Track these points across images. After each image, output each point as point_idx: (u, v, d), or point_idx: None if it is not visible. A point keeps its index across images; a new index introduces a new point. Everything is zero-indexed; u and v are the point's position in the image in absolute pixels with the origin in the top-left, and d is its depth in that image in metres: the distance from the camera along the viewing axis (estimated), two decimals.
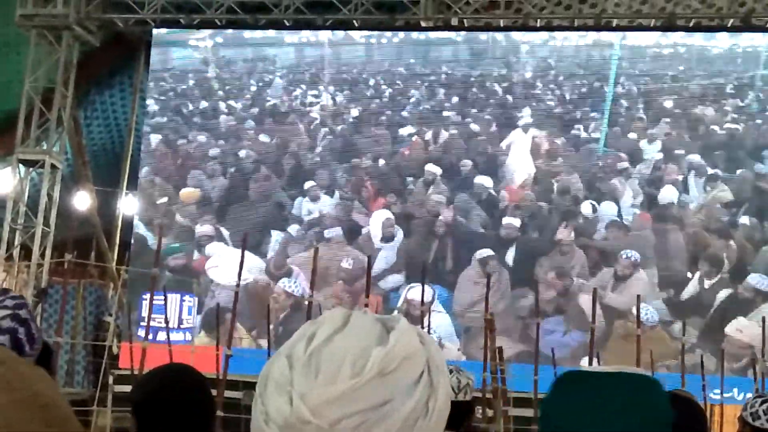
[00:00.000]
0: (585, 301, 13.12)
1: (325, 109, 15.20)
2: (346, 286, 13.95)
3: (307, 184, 14.65)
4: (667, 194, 13.78)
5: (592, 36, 14.73)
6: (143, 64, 16.39)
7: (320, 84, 15.40)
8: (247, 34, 15.92)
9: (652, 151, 14.06)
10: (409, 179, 14.56)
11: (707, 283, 13.27)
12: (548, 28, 14.97)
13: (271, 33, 15.82)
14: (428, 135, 14.73)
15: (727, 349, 12.02)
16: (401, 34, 15.53)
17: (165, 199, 14.94)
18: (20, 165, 15.35)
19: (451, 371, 3.39)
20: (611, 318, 12.97)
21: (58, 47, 15.36)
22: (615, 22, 14.63)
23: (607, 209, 13.85)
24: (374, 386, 0.95)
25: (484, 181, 14.25)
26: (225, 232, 14.61)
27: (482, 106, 14.80)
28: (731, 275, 13.25)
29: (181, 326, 13.73)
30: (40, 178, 15.50)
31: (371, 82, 15.35)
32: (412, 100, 15.09)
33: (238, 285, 8.69)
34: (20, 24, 15.21)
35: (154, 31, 15.50)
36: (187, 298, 14.11)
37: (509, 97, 14.75)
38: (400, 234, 14.22)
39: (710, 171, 13.78)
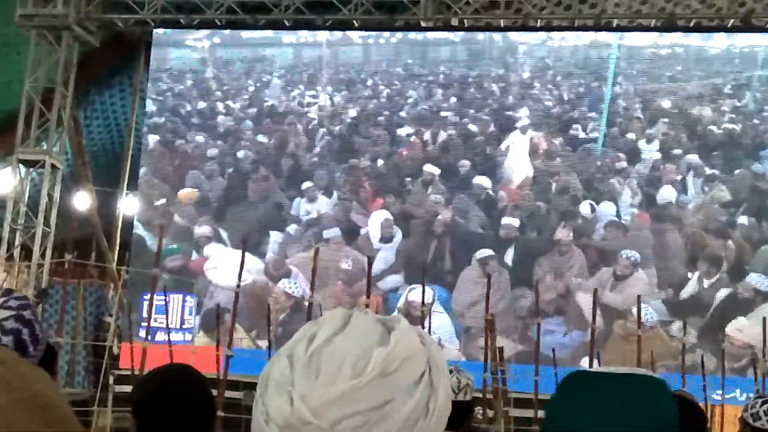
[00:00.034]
0: (584, 301, 13.14)
1: (323, 110, 15.21)
2: (345, 287, 13.94)
3: (305, 185, 14.65)
4: (666, 194, 13.80)
5: (589, 36, 14.74)
6: (143, 64, 16.39)
7: (318, 84, 15.40)
8: (245, 34, 15.91)
9: (651, 151, 14.08)
10: (408, 179, 14.56)
11: (706, 283, 13.29)
12: (548, 28, 14.97)
13: (268, 33, 15.82)
14: (426, 135, 14.74)
15: (727, 349, 12.03)
16: (399, 35, 15.53)
17: (163, 201, 14.94)
18: (20, 165, 15.35)
19: (450, 371, 3.39)
20: (610, 318, 12.98)
21: (58, 47, 15.37)
22: (615, 23, 14.63)
23: (606, 209, 13.87)
24: (375, 387, 0.95)
25: (482, 181, 14.26)
26: (223, 233, 14.60)
27: (480, 106, 14.81)
28: (730, 275, 13.28)
29: (183, 326, 13.73)
30: (41, 178, 15.51)
31: (369, 82, 15.36)
32: (410, 100, 15.09)
33: (238, 285, 8.68)
34: (20, 24, 15.21)
35: (154, 31, 15.50)
36: (188, 298, 14.12)
37: (507, 98, 14.76)
38: (398, 234, 14.22)
39: (708, 171, 13.82)
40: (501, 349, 8.84)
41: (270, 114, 15.35)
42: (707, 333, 13.00)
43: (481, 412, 8.19)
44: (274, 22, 15.32)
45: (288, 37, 15.74)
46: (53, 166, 15.44)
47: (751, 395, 4.74)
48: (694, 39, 14.58)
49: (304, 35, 15.71)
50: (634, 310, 11.49)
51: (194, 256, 14.57)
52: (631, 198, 13.91)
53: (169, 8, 15.30)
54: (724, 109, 14.13)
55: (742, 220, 13.52)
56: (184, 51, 15.82)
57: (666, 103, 14.27)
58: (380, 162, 14.72)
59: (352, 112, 15.10)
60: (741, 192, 13.67)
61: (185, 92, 15.66)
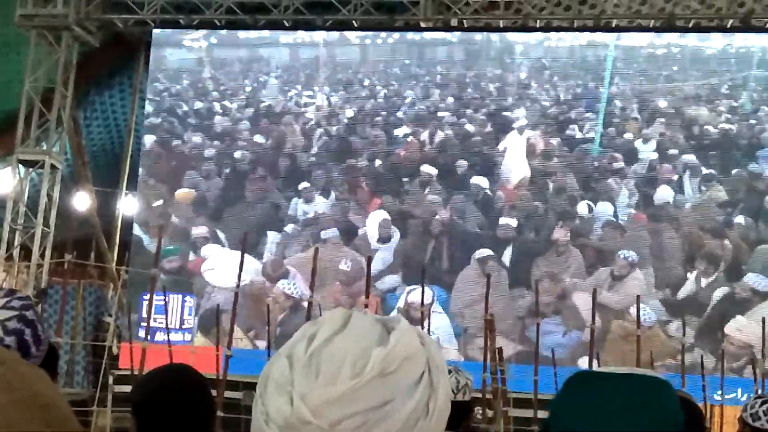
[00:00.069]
0: (581, 301, 13.15)
1: (320, 110, 15.21)
2: (344, 288, 13.94)
3: (302, 185, 14.64)
4: (663, 194, 13.83)
5: (586, 36, 14.76)
6: (143, 64, 16.39)
7: (315, 84, 15.40)
8: (242, 34, 15.90)
9: (647, 151, 14.11)
10: (405, 180, 14.56)
11: (704, 282, 13.31)
12: (547, 29, 14.97)
13: (265, 33, 15.80)
14: (424, 135, 14.74)
15: (726, 349, 12.04)
16: (396, 35, 15.53)
17: (160, 202, 14.92)
18: (20, 165, 15.36)
19: (449, 371, 3.40)
20: (608, 318, 12.99)
21: (58, 47, 15.37)
22: (614, 23, 14.64)
23: (603, 209, 13.88)
24: (375, 387, 0.95)
25: (480, 181, 14.26)
26: (221, 234, 14.59)
27: (477, 106, 14.81)
28: (727, 275, 13.30)
29: (182, 327, 13.72)
30: (40, 178, 15.51)
31: (366, 82, 15.35)
32: (408, 100, 15.09)
33: (238, 286, 8.68)
34: (20, 24, 15.21)
35: (153, 31, 15.50)
36: (188, 298, 14.11)
37: (504, 98, 14.76)
38: (396, 235, 14.22)
39: (705, 171, 13.84)
40: (500, 350, 8.84)
41: (267, 114, 15.34)
42: (705, 333, 13.01)
43: (480, 412, 8.19)
44: (273, 22, 15.32)
45: (285, 37, 15.73)
46: (53, 166, 15.44)
47: (751, 395, 4.74)
48: (691, 39, 14.61)
49: (301, 35, 15.70)
50: (632, 310, 11.50)
51: (191, 256, 14.56)
52: (629, 198, 13.93)
53: (168, 8, 15.30)
54: (721, 109, 14.16)
55: (739, 219, 13.55)
56: (180, 51, 15.81)
57: (663, 104, 14.29)
58: (378, 162, 14.72)
59: (350, 113, 15.10)
60: (738, 192, 13.70)
61: (182, 92, 15.65)
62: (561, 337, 13.13)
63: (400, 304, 13.51)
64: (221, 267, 13.92)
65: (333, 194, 14.62)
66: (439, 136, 14.70)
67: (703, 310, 13.17)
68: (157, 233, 9.40)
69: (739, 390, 11.67)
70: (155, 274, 8.39)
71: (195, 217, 14.79)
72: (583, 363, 11.95)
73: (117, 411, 10.21)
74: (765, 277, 13.16)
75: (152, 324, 8.66)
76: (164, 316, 11.27)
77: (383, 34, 15.50)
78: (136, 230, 14.88)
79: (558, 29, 14.99)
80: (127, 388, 9.61)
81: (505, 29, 15.00)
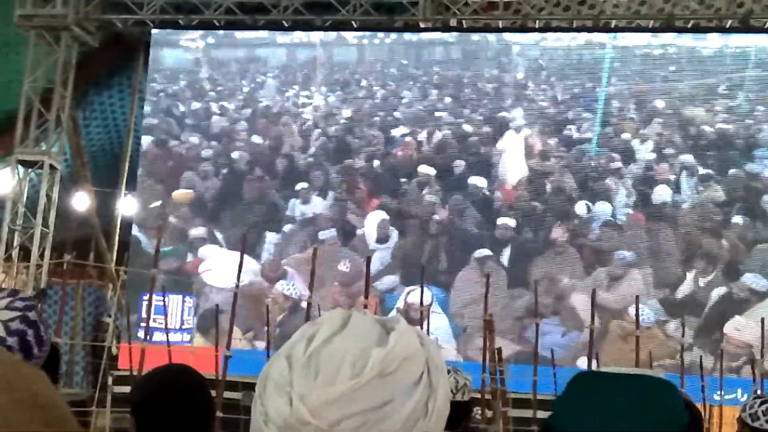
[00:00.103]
0: (579, 301, 13.17)
1: (317, 110, 15.21)
2: (342, 288, 13.93)
3: (299, 186, 14.63)
4: (660, 194, 13.85)
5: (583, 36, 14.77)
6: (142, 64, 16.39)
7: (312, 85, 15.39)
8: (239, 34, 15.89)
9: (645, 151, 14.13)
10: (403, 180, 14.56)
11: (702, 282, 13.32)
12: (546, 29, 14.98)
13: (263, 34, 15.79)
14: (421, 136, 14.74)
15: (725, 349, 12.05)
16: (393, 35, 15.51)
17: (158, 203, 14.90)
18: (19, 165, 15.35)
19: (448, 372, 3.40)
20: (606, 318, 12.99)
21: (57, 48, 15.36)
22: (613, 23, 14.64)
23: (602, 209, 13.90)
24: (374, 387, 0.95)
25: (477, 181, 14.27)
26: (218, 235, 14.58)
27: (475, 106, 14.82)
28: (725, 274, 13.32)
29: (183, 327, 13.72)
30: (39, 178, 15.50)
31: (363, 83, 15.36)
32: (405, 100, 15.10)
33: (237, 286, 8.68)
34: (19, 24, 15.20)
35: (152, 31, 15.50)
36: (188, 299, 14.10)
37: (501, 98, 14.77)
38: (394, 235, 14.22)
39: (702, 171, 13.87)
40: (500, 350, 8.84)
41: (264, 114, 15.34)
42: (703, 332, 13.03)
43: (479, 412, 8.19)
44: (272, 22, 15.31)
45: (282, 37, 15.72)
46: (52, 167, 15.43)
47: (750, 396, 4.73)
48: (687, 39, 14.62)
49: (299, 36, 15.69)
50: (631, 310, 11.50)
51: (189, 257, 14.56)
52: (626, 198, 13.94)
53: (167, 9, 15.30)
54: (718, 109, 14.18)
55: (737, 219, 13.57)
56: (177, 51, 15.80)
57: (660, 104, 14.31)
58: (376, 162, 14.72)
59: (347, 113, 15.10)
60: (735, 192, 13.73)
61: (179, 93, 15.64)
62: (560, 337, 13.13)
63: (400, 304, 13.50)
64: (219, 268, 13.91)
65: (331, 194, 14.62)
66: (437, 136, 14.71)
67: (702, 310, 13.19)
68: (154, 234, 9.40)
69: (739, 390, 11.67)
70: (154, 274, 8.39)
71: (193, 217, 14.78)
72: (581, 363, 11.97)
73: (116, 411, 10.20)
74: (763, 277, 13.18)
75: (152, 324, 8.66)
76: (164, 317, 11.25)
77: (380, 34, 15.49)
78: (135, 231, 14.88)
79: (557, 29, 14.99)
80: (127, 389, 9.60)
81: (504, 29, 15.00)
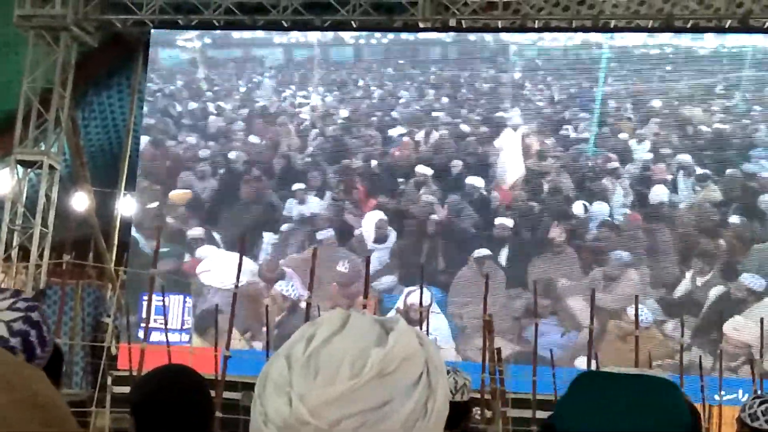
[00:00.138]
0: (577, 301, 13.17)
1: (315, 110, 15.20)
2: (341, 289, 13.92)
3: (295, 186, 14.62)
4: (658, 194, 13.86)
5: (580, 36, 14.78)
6: (141, 64, 16.38)
7: (310, 85, 15.38)
8: (236, 34, 15.87)
9: (642, 151, 14.15)
10: (401, 180, 14.56)
11: (699, 281, 13.34)
12: (546, 29, 14.98)
13: (259, 34, 15.77)
14: (418, 136, 14.75)
15: (723, 348, 12.06)
16: (389, 35, 15.50)
17: (155, 204, 14.89)
18: (18, 166, 15.35)
19: (448, 372, 3.40)
20: (603, 318, 13.00)
21: (56, 48, 15.36)
22: (612, 24, 14.64)
23: (599, 209, 13.91)
24: (373, 387, 0.95)
25: (475, 181, 14.28)
26: (216, 235, 14.56)
27: (472, 106, 14.83)
28: (722, 274, 13.34)
29: (183, 327, 13.71)
30: (38, 178, 15.49)
31: (360, 82, 15.35)
32: (402, 100, 15.10)
33: (236, 286, 8.68)
34: (18, 24, 15.19)
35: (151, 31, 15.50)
36: (188, 299, 14.10)
37: (499, 98, 14.77)
38: (392, 235, 14.22)
39: (699, 171, 13.89)
40: (499, 350, 8.84)
41: (262, 115, 15.32)
42: (701, 332, 13.03)
43: (479, 412, 8.19)
44: (272, 22, 15.31)
45: (279, 37, 15.70)
46: (51, 167, 15.43)
47: (750, 395, 4.74)
48: (684, 39, 14.64)
49: (296, 35, 15.67)
50: (629, 309, 11.50)
51: (187, 258, 14.54)
52: (623, 198, 13.96)
53: (167, 9, 15.29)
54: (715, 108, 14.21)
55: (734, 219, 13.60)
56: (174, 51, 15.79)
57: (657, 103, 14.34)
58: (373, 162, 14.72)
59: (344, 113, 15.10)
60: (732, 191, 13.75)
61: (176, 93, 15.62)
62: (559, 337, 13.13)
63: (399, 305, 13.50)
64: (217, 268, 13.90)
65: (328, 194, 14.61)
66: (434, 136, 14.72)
67: (699, 310, 13.20)
68: (151, 234, 9.40)
69: (740, 391, 11.68)
70: (154, 275, 8.39)
71: (190, 218, 14.76)
72: (579, 363, 11.98)
73: (115, 412, 10.19)
74: (760, 277, 13.20)
75: (151, 324, 8.66)
76: (163, 317, 11.25)
77: (377, 34, 15.48)
78: (134, 231, 14.87)
79: (556, 29, 15.00)
80: (126, 389, 9.59)
81: (504, 29, 15.01)
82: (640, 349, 9.56)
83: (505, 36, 15.03)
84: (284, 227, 14.49)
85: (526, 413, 9.52)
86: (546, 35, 14.93)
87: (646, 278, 13.47)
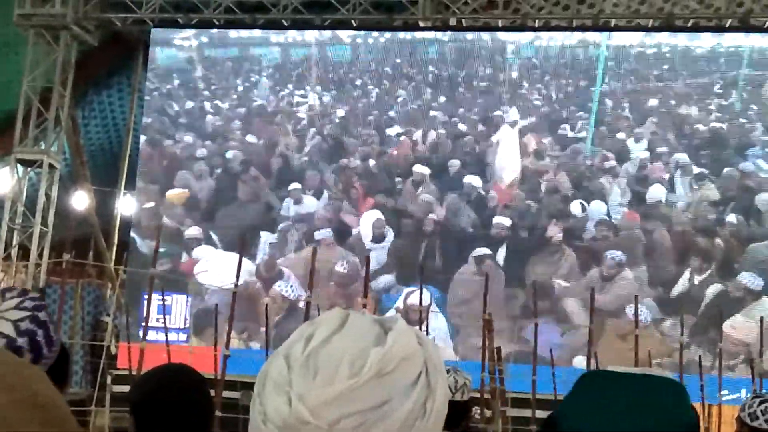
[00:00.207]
0: (575, 301, 13.18)
1: (312, 110, 15.19)
2: (339, 289, 13.91)
3: (291, 186, 14.61)
4: (655, 193, 13.88)
5: (577, 35, 14.79)
6: (141, 63, 16.38)
7: (307, 84, 15.38)
8: (233, 33, 15.84)
9: (639, 150, 14.17)
10: (398, 179, 14.56)
11: (697, 279, 13.36)
12: (546, 28, 14.98)
13: (257, 33, 15.75)
14: (416, 135, 14.76)
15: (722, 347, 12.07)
16: (387, 34, 15.49)
17: (152, 204, 14.87)
18: (18, 165, 15.34)
19: (448, 371, 3.40)
20: (601, 318, 12.99)
21: (56, 47, 15.34)
22: (613, 23, 14.64)
23: (597, 208, 13.92)
24: (372, 387, 0.95)
25: (472, 180, 14.28)
26: (213, 235, 14.54)
27: (469, 105, 14.83)
28: (719, 273, 13.35)
29: (186, 326, 13.71)
30: (38, 177, 15.49)
31: (358, 82, 15.34)
32: (399, 100, 15.10)
33: (236, 285, 8.69)
34: (18, 24, 15.18)
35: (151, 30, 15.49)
36: (189, 299, 14.09)
37: (496, 97, 14.78)
38: (390, 234, 14.22)
39: (696, 170, 13.92)
40: (498, 349, 8.84)
41: (259, 114, 15.31)
42: (699, 331, 13.04)
43: (478, 412, 8.19)
44: (271, 21, 15.29)
45: (276, 36, 15.68)
46: (51, 166, 15.42)
47: (749, 395, 4.74)
48: (681, 38, 14.66)
49: (293, 35, 15.65)
50: (627, 308, 11.50)
51: (184, 257, 14.53)
52: (621, 197, 13.97)
53: (167, 8, 15.28)
54: (712, 108, 14.23)
55: (731, 218, 13.62)
56: (171, 50, 15.77)
57: (654, 102, 14.35)
58: (371, 162, 14.72)
59: (341, 112, 15.10)
60: (729, 190, 13.78)
61: (173, 92, 15.61)
62: (559, 336, 13.13)
63: (399, 305, 13.49)
64: (214, 268, 13.88)
65: (326, 194, 14.61)
66: (432, 135, 14.72)
67: (697, 308, 13.21)
68: (149, 234, 9.39)
69: (743, 390, 11.67)
70: (154, 274, 8.39)
71: (187, 217, 14.75)
72: (577, 363, 11.98)
73: (115, 411, 10.19)
74: (758, 276, 13.21)
75: (151, 324, 8.66)
76: (163, 316, 11.25)
77: (375, 33, 15.47)
78: (133, 230, 14.86)
79: (556, 29, 14.99)
80: (126, 388, 9.59)
81: (504, 29, 15.00)
82: (640, 348, 9.56)
83: (502, 35, 15.03)
84: (282, 227, 14.48)
85: (526, 412, 9.52)
86: (543, 34, 14.94)
87: (643, 277, 13.48)
